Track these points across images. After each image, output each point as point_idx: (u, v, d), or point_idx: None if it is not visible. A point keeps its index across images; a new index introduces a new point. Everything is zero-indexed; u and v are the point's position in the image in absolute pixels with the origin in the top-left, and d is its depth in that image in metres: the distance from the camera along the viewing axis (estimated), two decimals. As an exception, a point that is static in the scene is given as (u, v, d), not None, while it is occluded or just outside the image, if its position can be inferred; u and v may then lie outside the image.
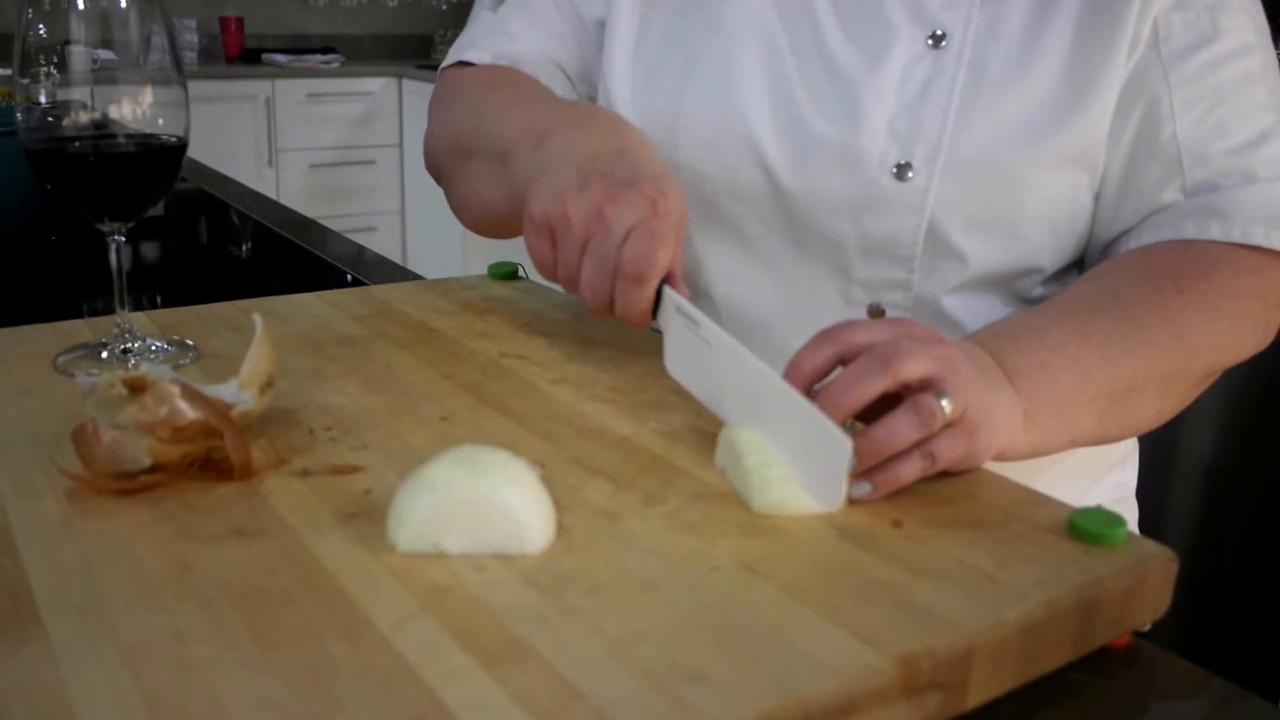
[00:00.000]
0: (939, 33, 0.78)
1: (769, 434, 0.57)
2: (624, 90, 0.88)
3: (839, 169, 0.79)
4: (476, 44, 0.94)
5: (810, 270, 0.82)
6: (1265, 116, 0.77)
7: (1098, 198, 0.80)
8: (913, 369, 0.56)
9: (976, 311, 0.81)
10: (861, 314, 0.81)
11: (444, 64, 0.97)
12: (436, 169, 0.96)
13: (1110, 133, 0.78)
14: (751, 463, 0.56)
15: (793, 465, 0.55)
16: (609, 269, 0.66)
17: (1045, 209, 0.78)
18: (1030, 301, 0.83)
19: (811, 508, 0.55)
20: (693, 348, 0.64)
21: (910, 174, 0.77)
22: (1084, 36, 0.77)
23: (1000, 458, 0.62)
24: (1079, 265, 0.84)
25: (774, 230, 0.82)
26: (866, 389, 0.56)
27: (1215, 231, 0.74)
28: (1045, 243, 0.79)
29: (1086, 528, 0.53)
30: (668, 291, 0.65)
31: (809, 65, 0.81)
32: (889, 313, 0.81)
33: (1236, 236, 0.73)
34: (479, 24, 0.97)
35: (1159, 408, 0.72)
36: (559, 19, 0.92)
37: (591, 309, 0.68)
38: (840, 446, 0.53)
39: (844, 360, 0.59)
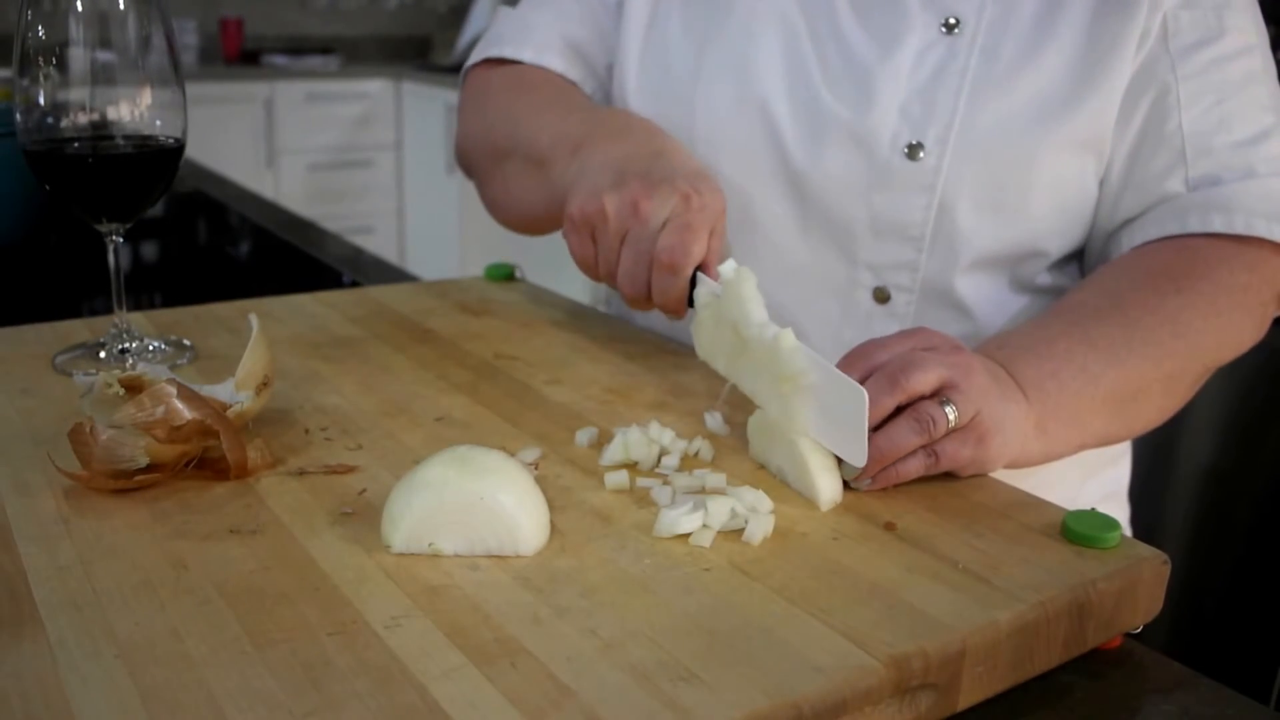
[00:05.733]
0: (952, 20, 0.79)
1: (794, 404, 0.58)
2: (638, 70, 0.89)
3: (851, 149, 0.81)
4: (501, 41, 0.95)
5: (816, 254, 0.83)
6: (1265, 116, 0.78)
7: (1102, 184, 0.81)
8: (921, 382, 0.58)
9: (982, 295, 0.82)
10: (867, 297, 0.83)
11: (469, 62, 0.99)
12: (469, 167, 0.99)
13: (1118, 120, 0.79)
14: (817, 463, 0.57)
15: (820, 429, 0.57)
16: (645, 260, 0.69)
17: (1053, 192, 0.80)
18: (1035, 289, 0.84)
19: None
20: (723, 331, 0.64)
21: (922, 154, 0.79)
22: (1096, 26, 0.78)
23: (1012, 465, 0.63)
24: (1080, 254, 0.85)
25: (781, 213, 0.84)
26: (877, 407, 0.57)
27: (1218, 224, 0.75)
28: (1053, 226, 0.81)
29: (1079, 530, 0.53)
30: (702, 278, 0.67)
31: (824, 48, 0.82)
32: (895, 295, 0.82)
33: (1239, 228, 0.75)
34: (502, 21, 0.98)
35: (1164, 405, 0.74)
36: (579, 7, 0.93)
37: (630, 300, 0.71)
38: (857, 398, 0.55)
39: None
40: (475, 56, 0.98)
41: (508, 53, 0.94)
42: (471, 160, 0.97)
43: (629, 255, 0.69)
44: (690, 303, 0.68)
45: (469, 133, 0.97)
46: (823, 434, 0.58)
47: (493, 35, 0.97)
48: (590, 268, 0.73)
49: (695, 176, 0.71)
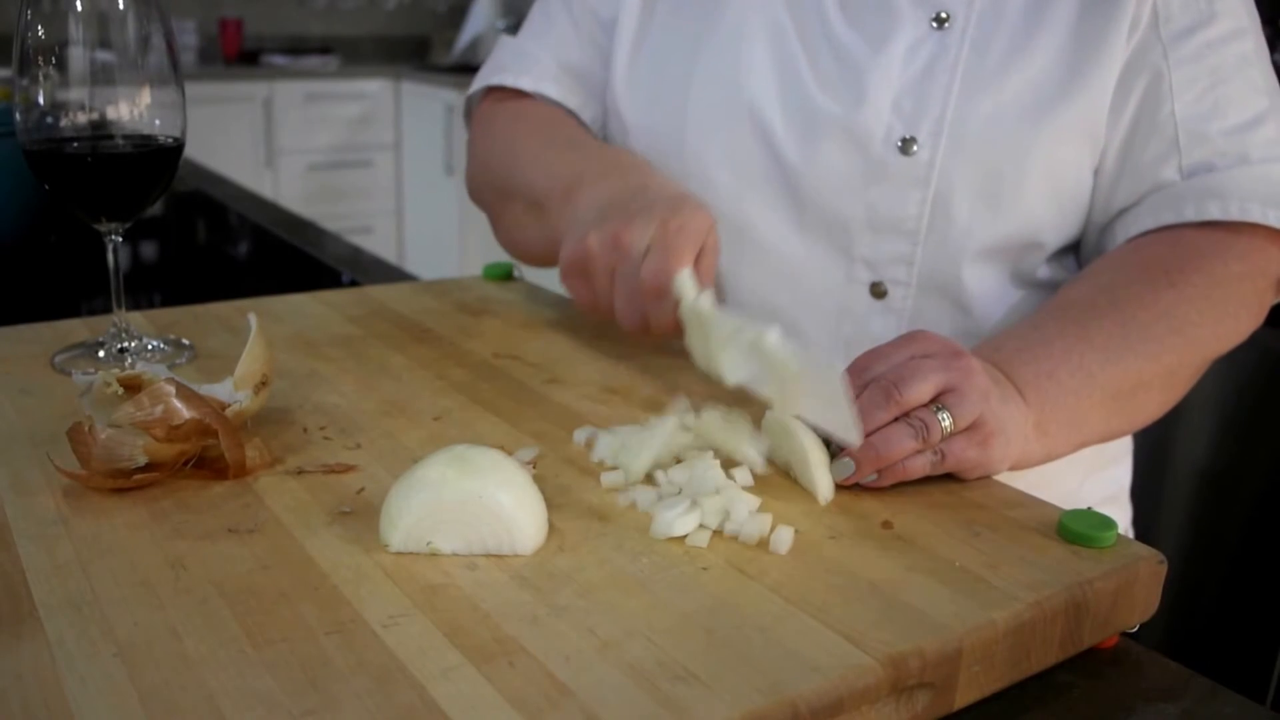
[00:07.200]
0: (942, 15, 0.80)
1: (784, 391, 0.59)
2: (628, 81, 0.89)
3: (845, 145, 0.81)
4: (501, 70, 0.96)
5: (812, 250, 0.84)
6: (1259, 100, 0.79)
7: (1097, 173, 0.81)
8: (916, 394, 0.58)
9: (979, 289, 0.83)
10: (864, 293, 0.83)
11: (471, 90, 1.01)
12: (481, 204, 1.01)
13: (1111, 108, 0.79)
14: (815, 458, 0.57)
15: (814, 414, 0.58)
16: (636, 291, 0.69)
17: (1049, 183, 0.80)
18: (1033, 282, 0.84)
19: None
20: (705, 334, 0.65)
21: (915, 148, 0.79)
22: (1085, 16, 0.79)
23: (1014, 468, 0.63)
24: (1077, 245, 0.85)
25: (776, 214, 0.84)
26: (872, 422, 0.57)
27: (1214, 210, 0.76)
28: (1049, 217, 0.81)
29: (1076, 529, 0.53)
30: (683, 296, 0.67)
31: (814, 47, 0.83)
32: (892, 290, 0.82)
33: (1235, 214, 0.75)
34: (503, 50, 0.99)
35: (1163, 399, 0.74)
36: (577, 33, 0.94)
37: (631, 332, 0.71)
38: (834, 377, 0.56)
39: None
40: (476, 84, 0.99)
41: (507, 81, 0.95)
42: (482, 198, 0.99)
43: (621, 290, 0.70)
44: None
45: (474, 172, 0.99)
46: (817, 419, 0.58)
47: (493, 64, 0.98)
48: (593, 309, 0.74)
49: (674, 200, 0.71)
